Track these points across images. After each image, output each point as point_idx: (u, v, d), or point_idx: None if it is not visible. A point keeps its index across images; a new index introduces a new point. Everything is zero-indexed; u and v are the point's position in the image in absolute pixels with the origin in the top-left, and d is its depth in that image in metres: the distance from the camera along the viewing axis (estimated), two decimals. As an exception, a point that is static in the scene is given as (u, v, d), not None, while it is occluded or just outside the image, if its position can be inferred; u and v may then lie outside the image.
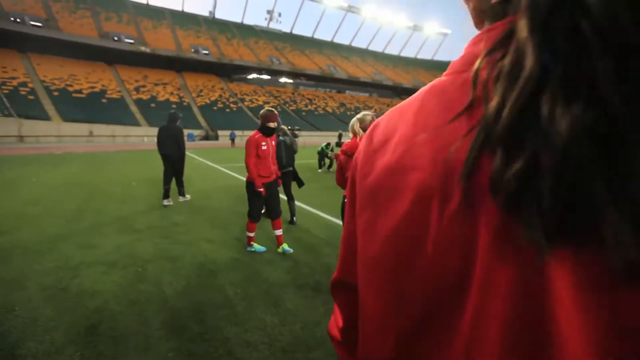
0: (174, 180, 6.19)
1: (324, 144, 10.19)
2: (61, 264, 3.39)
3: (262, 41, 74.26)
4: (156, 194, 6.86)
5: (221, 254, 3.72)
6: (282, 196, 4.79)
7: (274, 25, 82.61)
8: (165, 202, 5.97)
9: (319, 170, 10.41)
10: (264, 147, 3.55)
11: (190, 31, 63.50)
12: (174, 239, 4.20)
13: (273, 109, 3.59)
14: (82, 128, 32.12)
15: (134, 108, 39.32)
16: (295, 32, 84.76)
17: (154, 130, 35.48)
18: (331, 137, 45.91)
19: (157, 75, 50.94)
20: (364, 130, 2.56)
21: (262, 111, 3.55)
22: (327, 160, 10.23)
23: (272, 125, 3.51)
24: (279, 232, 3.79)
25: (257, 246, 3.83)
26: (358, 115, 2.64)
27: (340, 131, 10.36)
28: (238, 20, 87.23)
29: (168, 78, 51.39)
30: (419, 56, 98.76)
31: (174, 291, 2.85)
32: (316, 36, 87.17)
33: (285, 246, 3.76)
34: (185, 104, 43.99)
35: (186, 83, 52.24)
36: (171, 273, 3.18)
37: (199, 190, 7.58)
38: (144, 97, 42.47)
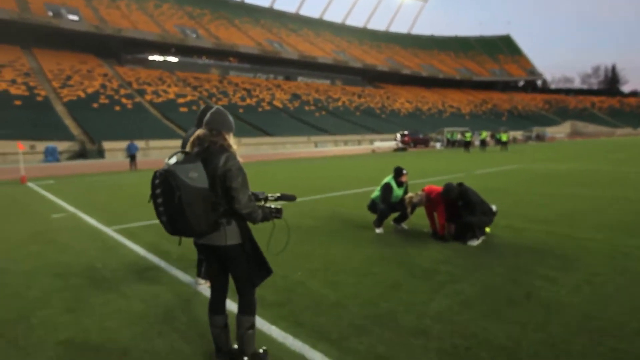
0: None
1: (402, 189, 5.97)
2: None
3: (166, 5, 68.35)
4: None
5: None
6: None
7: (184, -16, 76.99)
8: (201, 282, 3.98)
9: (377, 231, 5.98)
10: None
11: (47, -15, 55.31)
12: None
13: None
14: None
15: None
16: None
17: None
18: (290, 146, 41.13)
19: (-16, 54, 42.22)
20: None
21: None
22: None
23: None
24: None
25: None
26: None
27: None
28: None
29: (5, 57, 43.15)
30: (392, 29, 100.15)
31: None
32: (248, 0, 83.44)
33: None
34: (39, 99, 36.31)
35: (41, 66, 44.67)
36: None
37: None
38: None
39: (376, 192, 6.26)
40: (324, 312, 3.29)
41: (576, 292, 3.60)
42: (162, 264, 4.67)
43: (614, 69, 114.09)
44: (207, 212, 2.40)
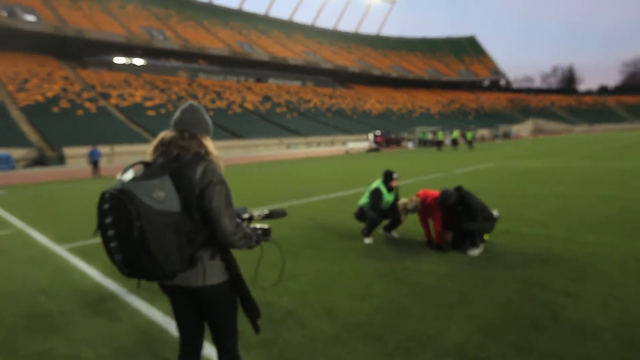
0: None
1: (392, 193, 5.88)
2: None
3: (131, 5, 65.90)
4: None
5: None
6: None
7: (148, -16, 74.66)
8: None
9: (367, 241, 5.52)
10: None
11: (0, -16, 52.19)
12: None
13: None
14: None
15: None
16: (183, -6, 78.09)
17: None
18: (262, 148, 40.23)
19: None
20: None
21: None
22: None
23: None
24: None
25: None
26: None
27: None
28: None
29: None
30: (362, 30, 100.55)
31: None
32: (216, 2, 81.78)
33: None
34: (-7, 104, 33.79)
35: (-5, 69, 41.60)
36: None
37: None
38: None
39: (364, 199, 5.68)
40: (322, 354, 2.66)
41: (606, 310, 3.13)
42: (122, 291, 3.92)
43: (570, 69, 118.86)
44: (181, 246, 1.71)
